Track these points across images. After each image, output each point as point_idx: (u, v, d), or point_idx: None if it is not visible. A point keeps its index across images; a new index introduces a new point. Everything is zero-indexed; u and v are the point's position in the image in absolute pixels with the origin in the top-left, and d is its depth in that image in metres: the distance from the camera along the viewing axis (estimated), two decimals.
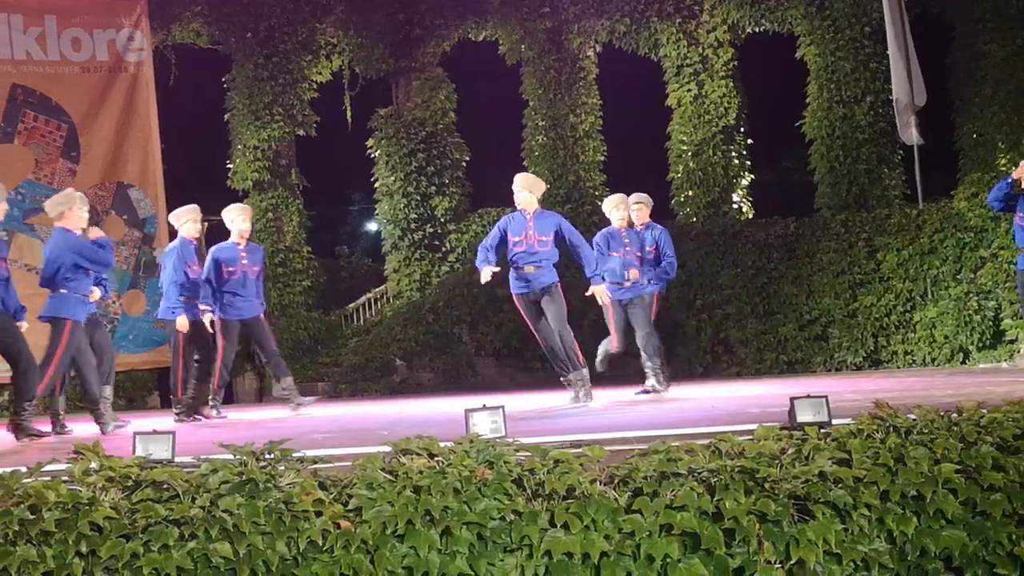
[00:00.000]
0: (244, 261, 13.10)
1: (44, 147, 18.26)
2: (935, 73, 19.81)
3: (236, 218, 13.38)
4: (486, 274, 12.59)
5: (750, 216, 20.92)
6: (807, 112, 20.37)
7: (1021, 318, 14.42)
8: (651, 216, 13.37)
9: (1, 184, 11.57)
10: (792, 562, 5.18)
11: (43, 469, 5.51)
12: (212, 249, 13.35)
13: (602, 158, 21.54)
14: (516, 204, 12.55)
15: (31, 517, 5.04)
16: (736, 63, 21.15)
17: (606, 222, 17.78)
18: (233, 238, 13.32)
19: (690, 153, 20.94)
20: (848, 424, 6.04)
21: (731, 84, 21.02)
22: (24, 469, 5.45)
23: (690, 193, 20.94)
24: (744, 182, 21.22)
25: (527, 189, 12.43)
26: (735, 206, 21.00)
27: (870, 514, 5.35)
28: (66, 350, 11.25)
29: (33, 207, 17.81)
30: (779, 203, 20.78)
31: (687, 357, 18.55)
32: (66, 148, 18.39)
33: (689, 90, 21.02)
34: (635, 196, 13.91)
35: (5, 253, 10.84)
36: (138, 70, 19.07)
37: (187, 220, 12.80)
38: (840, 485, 5.37)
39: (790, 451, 5.71)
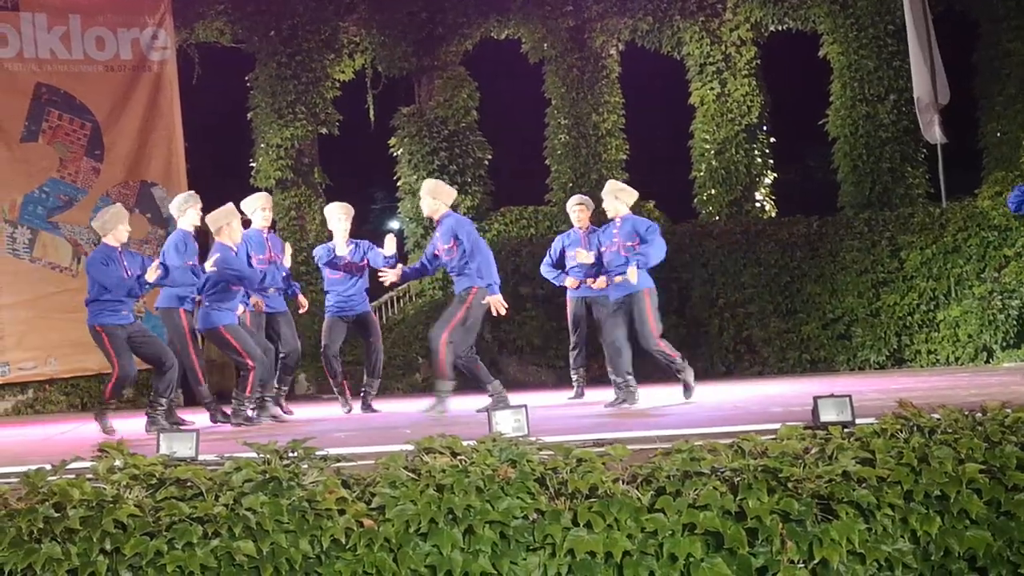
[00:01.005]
0: (346, 260, 13.34)
1: (68, 146, 18.29)
2: (959, 71, 19.74)
3: (332, 216, 13.76)
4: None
5: (773, 215, 20.86)
6: (830, 110, 20.32)
7: None
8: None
9: (194, 193, 12.78)
10: (815, 562, 5.18)
11: (67, 467, 5.54)
12: (316, 251, 13.78)
13: (624, 157, 21.48)
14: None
15: (56, 515, 5.07)
16: (759, 61, 21.09)
17: None
18: (337, 238, 13.64)
19: (713, 152, 20.90)
20: (872, 424, 6.04)
21: (754, 82, 20.97)
22: (49, 467, 5.47)
23: (713, 192, 20.89)
24: (767, 181, 21.16)
25: (430, 195, 12.40)
26: (758, 205, 20.94)
27: (894, 514, 5.35)
28: (245, 347, 11.87)
29: (57, 205, 17.88)
30: (802, 202, 20.74)
31: (709, 356, 18.51)
32: (90, 147, 18.42)
33: (712, 88, 20.98)
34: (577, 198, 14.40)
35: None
36: (162, 69, 19.10)
37: (255, 208, 12.89)
38: (864, 485, 5.37)
39: (813, 450, 5.71)
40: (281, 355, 13.05)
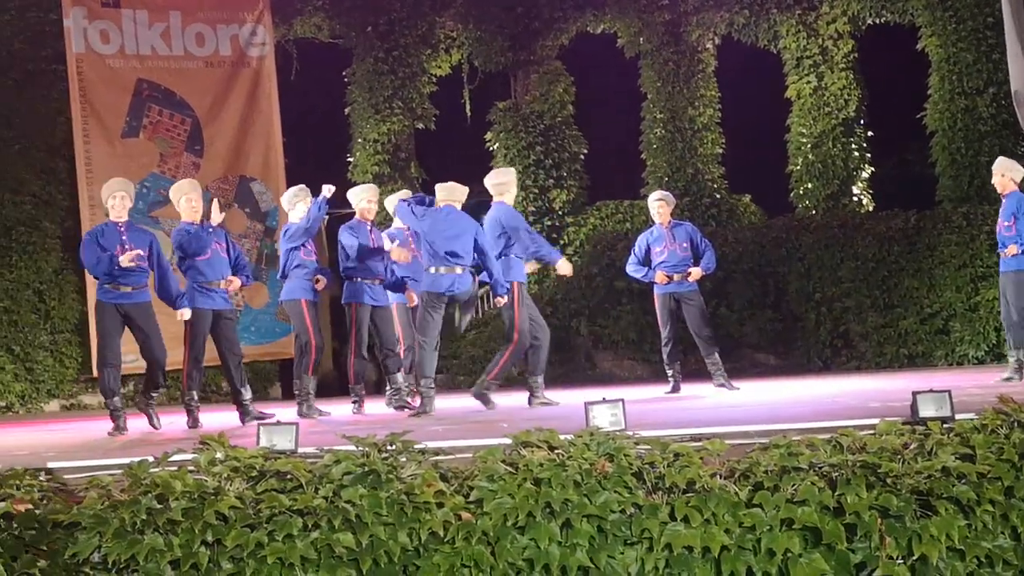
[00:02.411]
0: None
1: (169, 141, 18.52)
2: None
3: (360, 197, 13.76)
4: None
5: (870, 209, 20.70)
6: (928, 104, 20.08)
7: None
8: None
9: (304, 187, 12.87)
10: (914, 558, 5.15)
11: (170, 459, 5.61)
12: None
13: (720, 151, 21.44)
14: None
15: (158, 506, 5.14)
16: (856, 55, 20.95)
17: (724, 214, 17.72)
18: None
19: (809, 145, 20.78)
20: (971, 419, 5.99)
21: (851, 76, 20.83)
22: (151, 459, 5.55)
23: (809, 186, 20.78)
24: (864, 174, 21.00)
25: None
26: (855, 199, 20.79)
27: (994, 510, 5.31)
28: (193, 340, 11.94)
29: (158, 200, 18.06)
30: (900, 196, 20.54)
31: (806, 350, 18.43)
32: (190, 142, 18.65)
33: (809, 82, 20.87)
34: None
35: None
36: (260, 65, 19.29)
37: (361, 200, 13.01)
38: (963, 481, 5.34)
39: (912, 446, 5.67)
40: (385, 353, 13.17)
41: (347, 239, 12.75)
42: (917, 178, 22.51)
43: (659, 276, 13.54)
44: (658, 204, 13.88)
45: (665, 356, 13.75)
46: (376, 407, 13.31)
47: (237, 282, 12.04)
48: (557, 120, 21.14)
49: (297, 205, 12.59)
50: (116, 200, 11.33)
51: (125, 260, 11.00)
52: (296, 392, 12.59)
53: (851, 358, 18.20)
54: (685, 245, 13.63)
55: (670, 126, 21.27)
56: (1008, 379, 12.32)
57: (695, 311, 13.61)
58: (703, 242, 13.80)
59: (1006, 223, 12.82)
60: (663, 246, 13.61)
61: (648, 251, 13.76)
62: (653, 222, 14.01)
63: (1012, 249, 12.64)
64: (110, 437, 11.00)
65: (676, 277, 13.50)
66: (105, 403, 11.73)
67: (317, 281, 12.49)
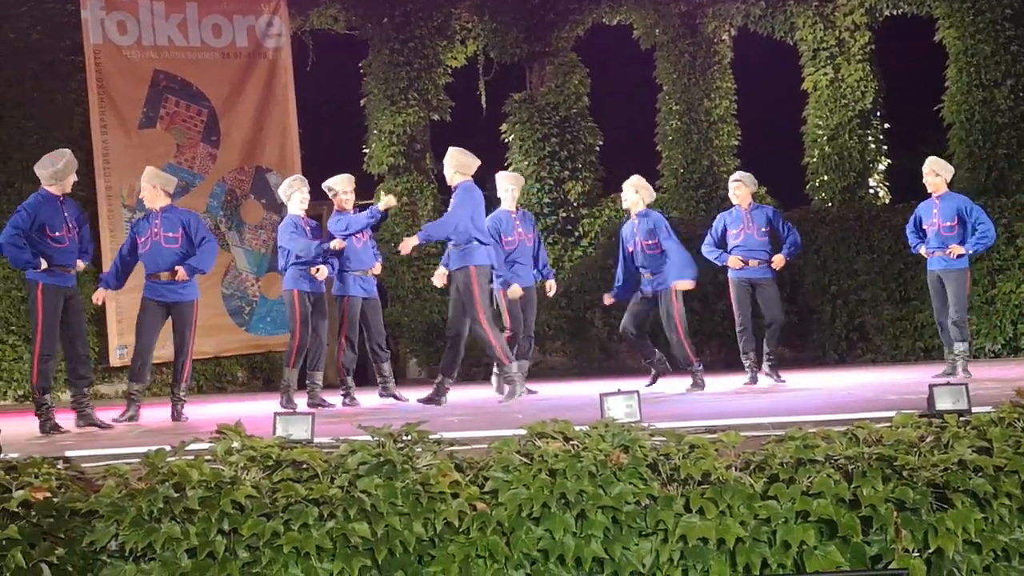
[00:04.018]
0: (519, 229, 13.43)
1: (185, 132, 18.52)
2: None
3: (508, 187, 13.84)
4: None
5: (887, 201, 20.64)
6: (946, 96, 20.00)
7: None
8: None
9: (299, 176, 13.10)
10: (930, 551, 5.15)
11: (187, 448, 5.63)
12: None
13: (736, 142, 21.39)
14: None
15: (175, 495, 5.16)
16: (873, 46, 20.88)
17: None
18: (506, 206, 13.69)
19: (826, 138, 20.72)
20: (988, 412, 5.99)
21: (868, 68, 20.75)
22: (168, 448, 5.57)
23: (825, 178, 20.71)
24: (881, 167, 20.94)
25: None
26: (871, 191, 20.72)
27: (1011, 503, 5.31)
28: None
29: (174, 191, 18.09)
30: (916, 188, 20.47)
31: (821, 343, 18.40)
32: (206, 133, 18.65)
33: (825, 74, 20.80)
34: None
35: None
36: (276, 56, 19.29)
37: (337, 192, 12.97)
38: (980, 474, 5.33)
39: (929, 439, 5.67)
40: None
41: (336, 229, 12.73)
42: None
43: (733, 260, 13.27)
44: (735, 185, 13.57)
45: (740, 344, 13.52)
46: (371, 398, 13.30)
47: (182, 272, 11.70)
48: (572, 112, 21.12)
49: (292, 196, 12.56)
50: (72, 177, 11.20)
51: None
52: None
53: (867, 351, 18.17)
54: (764, 230, 13.31)
55: (686, 118, 21.24)
56: (948, 374, 12.38)
57: (769, 298, 13.33)
58: (785, 226, 13.51)
59: (947, 223, 12.96)
60: (739, 228, 13.34)
61: (724, 232, 13.56)
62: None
63: (958, 249, 12.77)
64: (43, 435, 10.17)
65: (752, 263, 13.33)
66: (34, 399, 10.94)
67: (317, 271, 12.36)
